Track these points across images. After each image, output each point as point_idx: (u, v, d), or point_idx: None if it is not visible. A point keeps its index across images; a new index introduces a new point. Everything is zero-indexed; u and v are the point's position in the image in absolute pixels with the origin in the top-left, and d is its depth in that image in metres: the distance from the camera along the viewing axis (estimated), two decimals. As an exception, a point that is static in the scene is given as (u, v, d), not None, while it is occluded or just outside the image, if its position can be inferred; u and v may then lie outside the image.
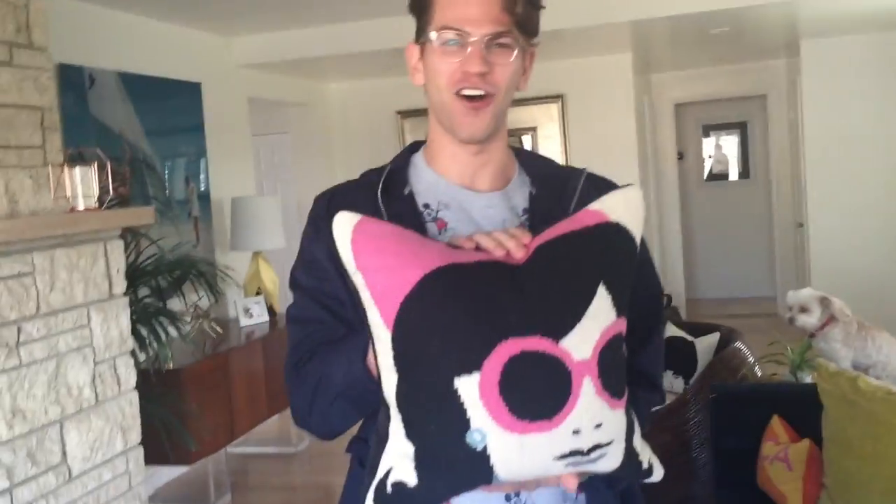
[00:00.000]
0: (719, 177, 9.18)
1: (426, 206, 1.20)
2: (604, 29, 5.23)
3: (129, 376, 3.03)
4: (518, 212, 1.20)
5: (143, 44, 4.63)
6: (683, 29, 5.75)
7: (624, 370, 0.99)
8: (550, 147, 6.45)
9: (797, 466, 2.57)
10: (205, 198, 5.12)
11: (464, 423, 0.90)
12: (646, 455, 1.03)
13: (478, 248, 0.97)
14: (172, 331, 3.52)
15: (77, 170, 2.83)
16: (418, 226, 1.16)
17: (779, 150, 7.88)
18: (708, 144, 9.18)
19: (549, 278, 0.94)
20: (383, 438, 0.97)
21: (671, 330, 4.17)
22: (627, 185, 1.07)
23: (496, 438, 0.89)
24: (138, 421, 3.06)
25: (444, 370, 0.90)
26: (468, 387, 0.89)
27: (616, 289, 0.96)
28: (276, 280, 5.18)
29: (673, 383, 3.98)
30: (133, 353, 3.08)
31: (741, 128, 8.96)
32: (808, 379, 3.13)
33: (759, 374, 3.67)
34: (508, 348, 0.89)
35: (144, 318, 3.39)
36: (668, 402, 3.60)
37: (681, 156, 8.71)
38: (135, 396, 3.05)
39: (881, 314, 4.68)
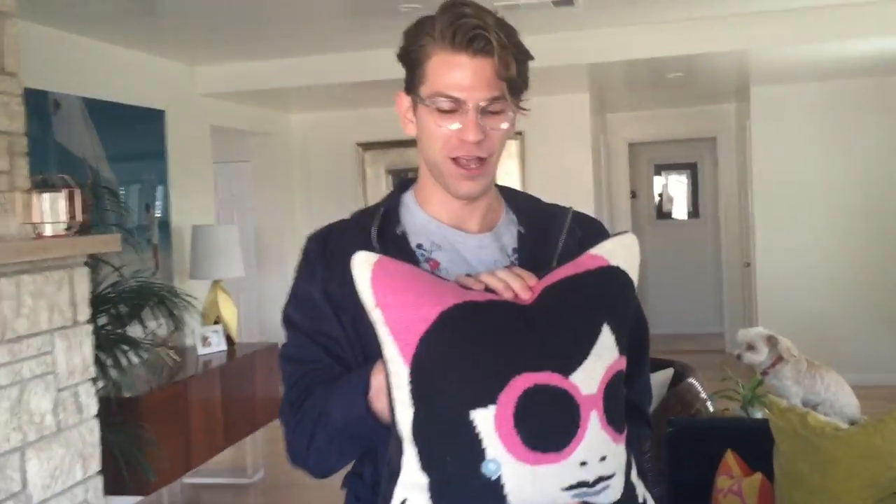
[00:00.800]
0: (669, 215, 9.43)
1: (419, 245, 1.23)
2: (564, 70, 5.39)
3: (91, 404, 3.01)
4: (507, 251, 1.24)
5: (108, 70, 4.63)
6: (639, 72, 5.96)
7: (623, 406, 1.05)
8: (509, 183, 6.45)
9: (750, 500, 2.66)
10: (164, 225, 5.11)
11: (479, 454, 0.95)
12: (641, 490, 1.10)
13: (487, 289, 1.03)
14: (133, 358, 3.50)
15: (46, 196, 2.82)
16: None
17: (727, 191, 8.14)
18: (659, 183, 9.43)
19: (558, 317, 1.00)
20: (395, 472, 1.01)
21: (626, 365, 4.26)
22: (624, 232, 1.15)
23: (510, 469, 0.95)
24: (98, 449, 3.03)
25: (460, 403, 0.96)
26: (484, 419, 0.94)
27: (618, 328, 1.03)
28: (233, 310, 5.17)
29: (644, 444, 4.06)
30: (94, 381, 3.06)
31: (691, 168, 9.24)
32: (758, 414, 3.25)
33: (712, 409, 3.79)
34: (522, 382, 0.95)
35: (105, 344, 3.37)
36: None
37: (634, 194, 8.93)
38: (95, 424, 3.02)
39: (825, 352, 4.85)
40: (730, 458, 2.84)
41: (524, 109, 1.19)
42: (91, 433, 3.00)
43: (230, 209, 7.15)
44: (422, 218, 1.26)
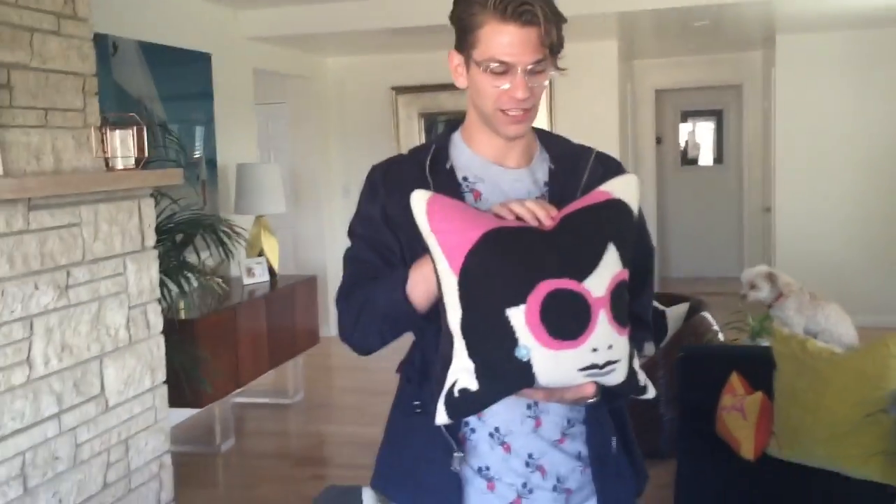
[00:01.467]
0: (694, 161, 9.57)
1: (465, 178, 1.47)
2: (593, 18, 5.55)
3: (157, 321, 3.34)
4: (540, 185, 1.48)
5: (161, 14, 4.88)
6: (667, 21, 6.09)
7: (626, 307, 1.30)
8: (538, 126, 6.76)
9: (751, 415, 2.95)
10: (211, 163, 5.40)
11: (513, 342, 1.22)
12: (642, 376, 1.36)
13: (517, 219, 1.30)
14: (194, 283, 3.81)
15: (117, 132, 3.11)
16: (458, 195, 1.44)
17: (751, 138, 8.27)
18: (685, 130, 9.55)
19: (574, 238, 1.26)
20: (447, 361, 1.28)
21: (645, 300, 4.53)
22: (627, 173, 1.41)
23: (538, 353, 1.22)
24: (164, 362, 3.37)
25: (498, 303, 1.22)
26: (517, 315, 1.21)
27: (621, 247, 1.29)
28: (276, 244, 5.48)
29: (645, 347, 4.36)
30: (159, 301, 3.38)
31: (717, 115, 9.34)
32: (766, 345, 3.51)
33: (723, 339, 4.07)
34: (546, 287, 1.21)
35: (168, 270, 3.69)
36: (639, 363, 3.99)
37: (659, 140, 9.08)
38: (161, 340, 3.36)
39: (838, 295, 5.08)
40: (734, 380, 3.12)
41: (562, 69, 1.41)
42: (158, 347, 3.34)
43: (267, 150, 7.42)
44: (467, 154, 1.49)
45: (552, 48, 1.35)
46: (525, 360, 1.22)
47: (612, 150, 6.53)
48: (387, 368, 1.59)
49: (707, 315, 4.20)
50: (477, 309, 1.24)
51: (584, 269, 1.24)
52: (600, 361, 1.25)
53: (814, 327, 3.22)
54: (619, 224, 1.31)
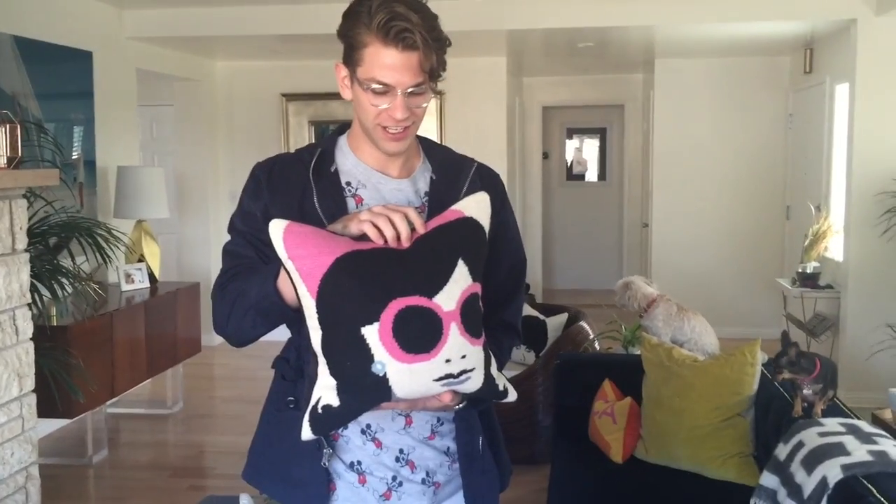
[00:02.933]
0: (580, 177, 9.90)
1: (348, 183, 1.51)
2: (483, 34, 5.69)
3: (27, 327, 3.20)
4: (421, 194, 1.53)
5: (39, 9, 4.70)
6: (554, 40, 6.31)
7: (480, 318, 1.37)
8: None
9: (620, 420, 3.10)
10: (90, 164, 5.22)
11: (369, 358, 1.28)
12: (501, 381, 1.43)
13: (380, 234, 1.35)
14: (68, 288, 3.68)
15: (-12, 130, 2.98)
16: (340, 198, 1.48)
17: (632, 156, 8.64)
18: (571, 146, 9.87)
19: (424, 256, 1.33)
20: (313, 379, 1.34)
21: (526, 310, 4.67)
22: (479, 191, 1.47)
23: (392, 367, 1.28)
24: (33, 370, 3.24)
25: (353, 323, 1.28)
26: (371, 333, 1.27)
27: (471, 262, 1.36)
28: (157, 249, 5.35)
29: (525, 356, 4.49)
30: (30, 307, 3.25)
31: (601, 133, 9.70)
32: (637, 353, 3.69)
33: (598, 348, 4.23)
34: (397, 304, 1.28)
35: (40, 274, 3.55)
36: (519, 372, 4.11)
37: (546, 155, 9.35)
38: (31, 346, 3.22)
39: (709, 307, 5.39)
40: (606, 386, 3.26)
41: (438, 92, 1.48)
42: (27, 354, 3.21)
43: (151, 152, 7.23)
44: (352, 160, 1.54)
45: (431, 73, 1.41)
46: (381, 374, 1.28)
47: (500, 164, 6.79)
48: (270, 378, 1.61)
49: (584, 325, 4.37)
50: (335, 329, 1.30)
51: (435, 285, 1.30)
52: (455, 371, 1.31)
53: (680, 337, 3.40)
54: (469, 241, 1.38)
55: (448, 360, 1.30)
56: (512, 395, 1.44)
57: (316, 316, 1.30)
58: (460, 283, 1.32)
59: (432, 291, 1.29)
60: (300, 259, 1.29)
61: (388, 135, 1.44)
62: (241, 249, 1.51)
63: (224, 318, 1.47)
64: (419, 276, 1.30)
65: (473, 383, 1.35)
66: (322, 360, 1.31)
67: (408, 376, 1.28)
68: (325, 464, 1.46)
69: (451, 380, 1.32)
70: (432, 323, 1.28)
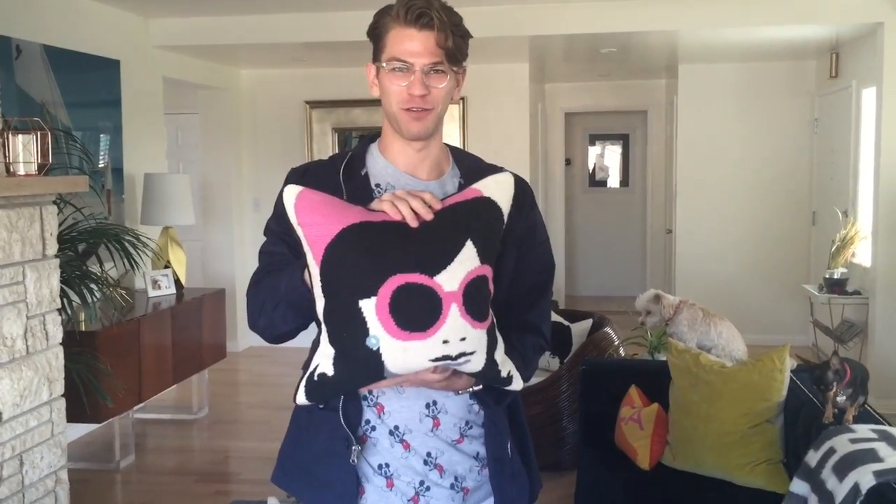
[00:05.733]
0: (602, 183, 9.87)
1: (377, 185, 1.54)
2: (506, 40, 5.71)
3: (57, 332, 3.24)
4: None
5: (68, 18, 4.77)
6: (576, 46, 6.30)
7: (487, 301, 1.35)
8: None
9: (647, 426, 3.08)
10: (118, 172, 5.28)
11: (364, 331, 1.28)
12: (506, 367, 1.41)
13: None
14: (96, 294, 3.72)
15: (20, 137, 3.03)
16: (369, 200, 1.46)
17: (655, 162, 8.60)
18: (593, 153, 9.85)
19: (431, 234, 1.33)
20: (316, 345, 1.36)
21: (551, 316, 4.65)
22: (503, 170, 1.47)
23: (386, 342, 1.27)
24: (62, 374, 3.27)
25: (352, 294, 1.28)
26: (368, 306, 1.27)
27: (481, 244, 1.34)
28: (183, 256, 5.39)
29: (550, 362, 4.47)
30: (60, 312, 3.29)
31: (623, 139, 9.67)
32: (663, 359, 3.66)
33: (623, 353, 4.21)
34: (397, 280, 1.27)
35: (69, 280, 3.59)
36: (543, 378, 4.10)
37: (568, 162, 9.34)
38: (60, 351, 3.26)
39: (733, 313, 5.32)
40: (633, 392, 3.25)
41: (462, 68, 1.52)
42: (56, 359, 3.24)
43: (176, 160, 7.30)
44: (382, 163, 1.57)
45: (449, 53, 1.46)
46: (375, 348, 1.28)
47: (523, 170, 6.79)
48: (293, 383, 1.61)
49: (609, 330, 4.35)
50: (336, 298, 1.30)
51: (437, 264, 1.29)
52: (453, 353, 1.30)
53: (706, 342, 3.38)
54: (482, 221, 1.36)
55: (446, 342, 1.28)
56: (517, 384, 1.42)
57: (320, 284, 1.31)
58: (466, 265, 1.31)
59: (434, 270, 1.28)
60: (309, 226, 1.31)
61: (410, 115, 1.48)
62: (274, 248, 1.55)
63: (256, 311, 1.51)
64: (423, 254, 1.29)
65: (472, 366, 1.34)
66: (324, 329, 1.32)
67: (401, 353, 1.28)
68: (353, 461, 1.46)
69: (449, 361, 1.31)
70: (431, 302, 1.27)
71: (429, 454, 1.49)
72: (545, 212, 8.42)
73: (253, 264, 1.58)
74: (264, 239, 1.59)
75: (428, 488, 1.49)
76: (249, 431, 5.12)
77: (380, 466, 1.49)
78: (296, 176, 1.55)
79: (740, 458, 2.85)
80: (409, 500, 1.49)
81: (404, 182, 1.55)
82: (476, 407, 1.52)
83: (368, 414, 1.49)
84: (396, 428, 1.48)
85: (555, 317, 4.68)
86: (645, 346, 3.87)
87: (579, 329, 4.56)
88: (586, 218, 9.66)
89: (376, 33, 1.50)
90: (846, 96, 6.02)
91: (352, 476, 1.47)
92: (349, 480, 1.48)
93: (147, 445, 4.83)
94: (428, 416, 1.49)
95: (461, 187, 1.56)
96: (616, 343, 4.22)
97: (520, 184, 1.60)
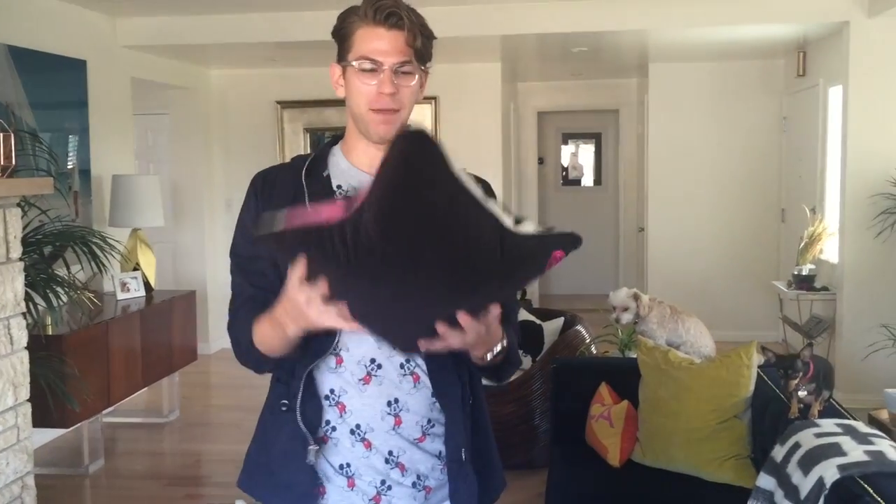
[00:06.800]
0: (575, 182, 9.91)
1: (339, 186, 1.53)
2: (477, 40, 5.71)
3: (21, 336, 3.19)
4: None
5: (32, 18, 4.70)
6: (548, 45, 6.32)
7: None
8: (422, 145, 6.86)
9: (617, 423, 3.09)
10: (85, 173, 5.21)
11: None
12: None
13: None
14: (63, 297, 3.67)
15: (-19, 139, 2.98)
16: (330, 200, 1.49)
17: (627, 161, 8.65)
18: (566, 152, 9.88)
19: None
20: None
21: (523, 314, 4.67)
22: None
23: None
24: (28, 379, 3.22)
25: None
26: None
27: None
28: (152, 258, 5.33)
29: (522, 361, 4.48)
30: (24, 315, 3.24)
31: (596, 138, 9.72)
32: (633, 356, 3.68)
33: (595, 351, 4.23)
34: None
35: (35, 283, 3.54)
36: (516, 377, 4.10)
37: (541, 161, 9.36)
38: (25, 356, 3.21)
39: (703, 309, 5.38)
40: (603, 390, 3.26)
41: (427, 68, 1.53)
42: (21, 363, 3.19)
43: (146, 161, 7.23)
44: (344, 164, 1.56)
45: (417, 54, 1.46)
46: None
47: (496, 169, 6.79)
48: (266, 386, 1.60)
49: (581, 329, 4.37)
50: None
51: None
52: None
53: (675, 339, 3.40)
54: None
55: None
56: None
57: None
58: None
59: None
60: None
61: (378, 117, 1.47)
62: (236, 276, 1.54)
63: (243, 351, 1.50)
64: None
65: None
66: None
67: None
68: (311, 461, 1.46)
69: None
70: None
71: (390, 453, 1.48)
72: (519, 211, 8.42)
73: (224, 265, 1.56)
74: (230, 255, 1.57)
75: (390, 487, 1.49)
76: (221, 434, 5.07)
77: (341, 466, 1.49)
78: (258, 179, 1.55)
79: (709, 454, 2.87)
80: (370, 500, 1.49)
81: (367, 182, 1.54)
82: (438, 405, 1.52)
83: (329, 414, 1.48)
84: (358, 427, 1.48)
85: (527, 315, 4.69)
86: (616, 344, 3.89)
87: (551, 328, 4.57)
88: (559, 217, 9.68)
89: (342, 33, 1.49)
90: (813, 95, 6.09)
91: (310, 475, 1.47)
92: (308, 479, 1.47)
93: (117, 449, 4.78)
94: (390, 413, 1.48)
95: None
96: (587, 341, 4.24)
97: (483, 183, 1.62)
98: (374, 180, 1.17)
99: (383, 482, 1.48)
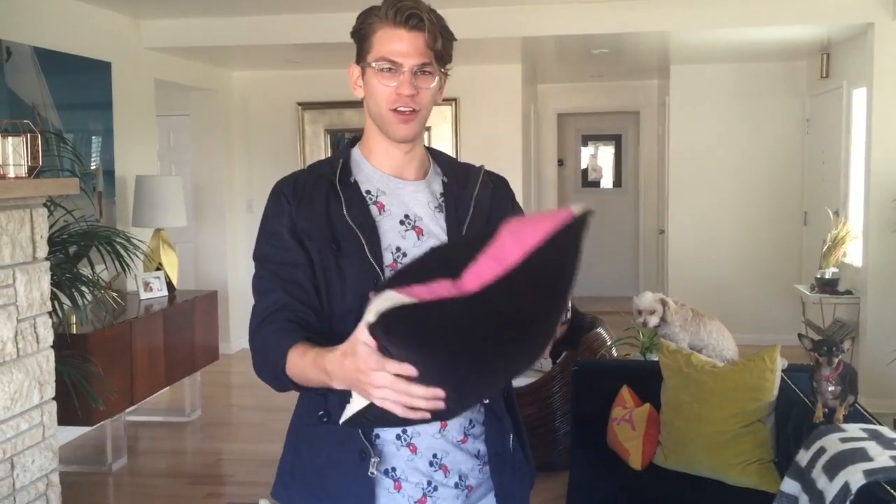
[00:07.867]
0: (594, 184, 9.87)
1: (368, 192, 1.53)
2: (498, 42, 5.71)
3: (47, 335, 3.23)
4: (437, 195, 1.56)
5: (58, 20, 4.75)
6: (568, 47, 6.31)
7: None
8: (443, 147, 6.85)
9: (639, 426, 3.08)
10: (109, 174, 5.26)
11: None
12: None
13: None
14: (87, 297, 3.71)
15: (10, 140, 3.02)
16: (365, 208, 1.49)
17: (647, 163, 8.62)
18: (586, 153, 9.85)
19: None
20: None
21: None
22: (482, 168, 1.52)
23: None
24: (53, 377, 3.26)
25: None
26: None
27: None
28: (175, 258, 5.38)
29: (542, 363, 4.48)
30: (50, 314, 3.28)
31: (616, 140, 9.68)
32: (655, 359, 3.66)
33: (616, 354, 4.22)
34: None
35: (60, 282, 3.58)
36: (536, 379, 4.10)
37: (561, 162, 9.34)
38: (51, 354, 3.25)
39: (724, 312, 5.34)
40: (624, 392, 3.25)
41: (447, 69, 1.53)
42: (47, 362, 3.23)
43: (169, 162, 7.29)
44: (368, 169, 1.56)
45: (438, 55, 1.47)
46: None
47: (516, 171, 6.79)
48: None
49: (602, 331, 4.35)
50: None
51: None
52: None
53: (698, 343, 3.38)
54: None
55: None
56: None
57: None
58: None
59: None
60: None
61: (398, 117, 1.47)
62: (265, 283, 1.49)
63: (262, 366, 1.47)
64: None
65: None
66: None
67: None
68: (372, 473, 1.44)
69: None
70: None
71: (435, 455, 1.49)
72: (538, 212, 8.42)
73: (246, 266, 1.56)
74: (256, 261, 1.54)
75: (435, 488, 1.49)
76: (242, 433, 5.11)
77: (387, 471, 1.48)
78: (287, 186, 1.52)
79: (732, 458, 2.86)
80: (416, 502, 1.49)
81: (394, 185, 1.55)
82: (478, 405, 1.52)
83: None
84: (404, 431, 1.47)
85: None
86: (637, 347, 3.88)
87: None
88: (579, 218, 9.64)
89: (361, 34, 1.49)
90: (837, 97, 6.04)
91: (368, 485, 1.45)
92: (365, 489, 1.45)
93: (139, 448, 4.82)
94: None
95: (445, 185, 1.58)
96: (608, 343, 4.22)
97: (501, 181, 1.68)
98: (531, 254, 1.18)
99: (429, 483, 1.49)
